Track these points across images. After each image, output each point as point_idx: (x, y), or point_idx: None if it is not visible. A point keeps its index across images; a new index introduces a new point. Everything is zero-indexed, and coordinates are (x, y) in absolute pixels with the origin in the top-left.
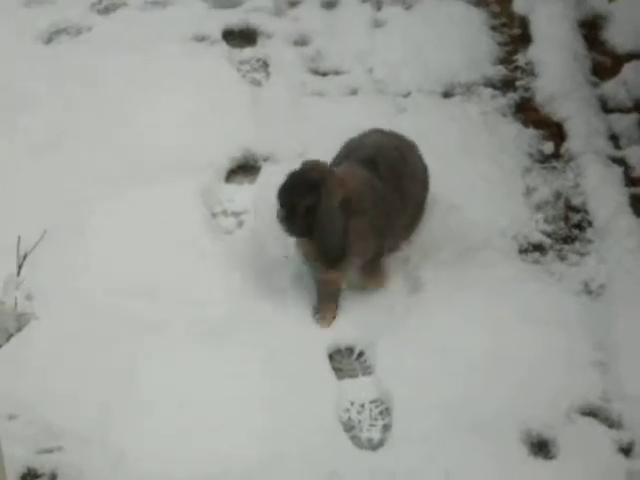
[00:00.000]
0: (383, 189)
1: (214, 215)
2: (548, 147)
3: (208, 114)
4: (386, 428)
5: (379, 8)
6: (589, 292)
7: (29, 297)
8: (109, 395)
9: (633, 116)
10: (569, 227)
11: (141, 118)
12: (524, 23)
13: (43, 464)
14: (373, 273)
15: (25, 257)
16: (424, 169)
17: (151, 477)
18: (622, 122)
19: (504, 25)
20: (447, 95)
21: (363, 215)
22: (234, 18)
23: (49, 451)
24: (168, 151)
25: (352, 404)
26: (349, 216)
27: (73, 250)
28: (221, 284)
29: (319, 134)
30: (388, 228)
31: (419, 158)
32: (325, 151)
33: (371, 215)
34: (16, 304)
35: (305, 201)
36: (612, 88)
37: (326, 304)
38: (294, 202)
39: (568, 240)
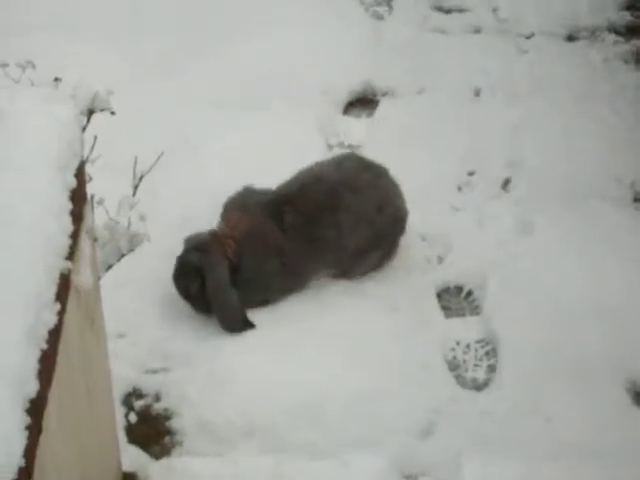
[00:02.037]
0: (284, 239)
1: (330, 146)
2: None
3: (329, 45)
4: (491, 369)
5: None
6: None
7: (143, 218)
8: None
9: None
10: None
11: (259, 46)
12: None
13: (148, 384)
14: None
15: (141, 178)
16: (384, 202)
17: (253, 400)
18: None
19: None
20: (570, 38)
21: (255, 273)
22: None
23: (154, 371)
24: (286, 79)
25: (458, 343)
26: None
27: (187, 173)
28: None
29: (439, 71)
30: (294, 273)
31: (379, 192)
32: (445, 89)
33: (266, 268)
34: (129, 224)
35: (193, 286)
36: None
37: None
38: (185, 288)
39: None
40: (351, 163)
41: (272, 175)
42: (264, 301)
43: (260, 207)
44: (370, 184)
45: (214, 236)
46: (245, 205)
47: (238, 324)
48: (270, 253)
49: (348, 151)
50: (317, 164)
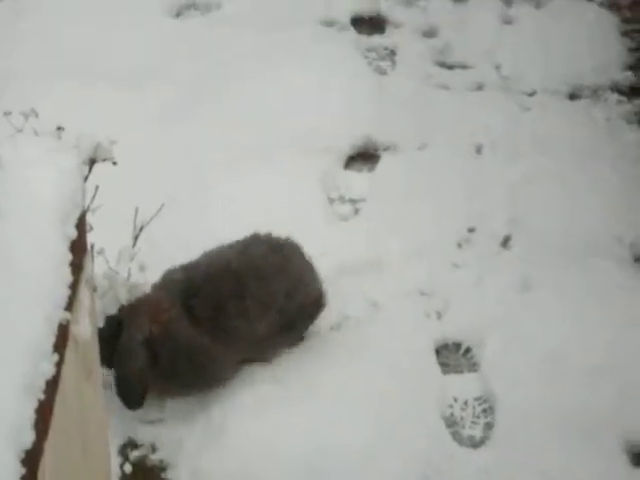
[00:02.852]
0: (196, 332)
1: (331, 200)
2: None
3: (332, 98)
4: (488, 426)
5: (509, 5)
6: None
7: (142, 268)
8: None
9: None
10: None
11: (268, 97)
12: None
13: (144, 435)
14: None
15: (141, 229)
16: (293, 288)
17: (251, 453)
18: None
19: (635, 31)
20: (573, 97)
21: (172, 370)
22: None
23: (150, 422)
24: (289, 132)
25: (456, 400)
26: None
27: (188, 224)
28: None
29: (441, 127)
30: (213, 366)
31: (287, 277)
32: (446, 144)
33: (183, 366)
34: (129, 275)
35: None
36: None
37: None
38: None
39: None
40: (259, 247)
41: (272, 227)
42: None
43: (176, 298)
44: (278, 269)
45: (149, 305)
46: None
47: (136, 397)
48: (185, 351)
49: (254, 233)
50: (225, 246)
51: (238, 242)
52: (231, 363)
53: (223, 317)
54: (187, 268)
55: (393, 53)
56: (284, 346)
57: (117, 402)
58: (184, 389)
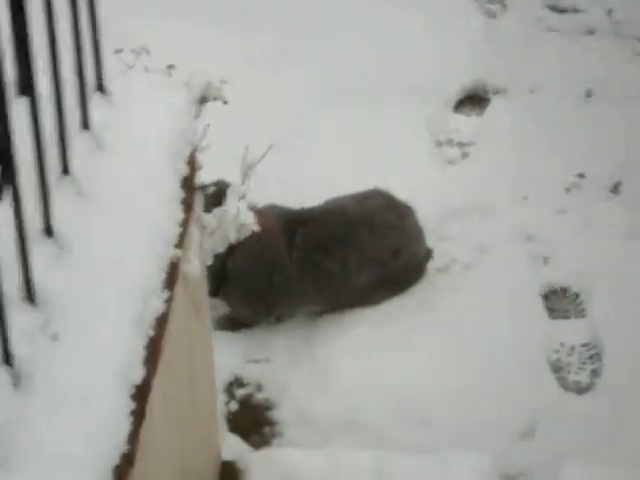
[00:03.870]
0: (286, 257)
1: (439, 143)
2: None
3: (442, 41)
4: (595, 373)
5: None
6: None
7: (251, 207)
8: None
9: None
10: None
11: (377, 39)
12: None
13: (250, 374)
14: (227, 320)
15: (251, 168)
16: (402, 246)
17: (355, 394)
18: None
19: None
20: None
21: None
22: None
23: (257, 361)
24: (397, 75)
25: (562, 345)
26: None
27: (295, 164)
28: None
29: (552, 71)
30: (285, 293)
31: (398, 235)
32: (556, 89)
33: (253, 275)
34: (238, 213)
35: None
36: None
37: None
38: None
39: None
40: (376, 201)
41: (380, 168)
42: (241, 319)
43: (279, 220)
44: (391, 226)
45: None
46: (269, 212)
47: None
48: (263, 263)
49: (374, 187)
50: (345, 196)
51: (358, 193)
52: (305, 303)
53: (322, 256)
54: (302, 208)
55: None
56: (378, 301)
57: (224, 340)
58: (242, 300)
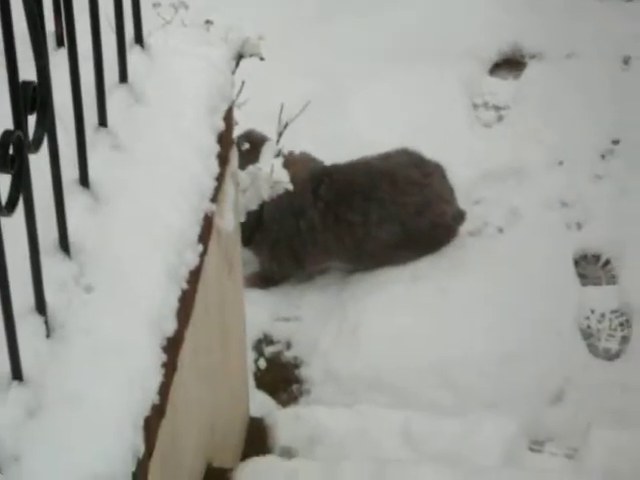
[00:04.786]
0: (312, 205)
1: (475, 106)
2: None
3: (479, 3)
4: (625, 340)
5: None
6: None
7: (286, 165)
8: None
9: None
10: None
11: (413, 3)
12: None
13: (279, 331)
14: (256, 276)
15: (286, 126)
16: (425, 205)
17: (385, 354)
18: None
19: None
20: None
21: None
22: None
23: (286, 319)
24: (435, 37)
25: (593, 312)
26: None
27: (332, 122)
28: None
29: (590, 37)
30: (310, 241)
31: (422, 193)
32: (594, 54)
33: (283, 219)
34: (272, 171)
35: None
36: None
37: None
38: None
39: None
40: (402, 158)
41: (414, 129)
42: (270, 274)
43: (308, 170)
44: (414, 183)
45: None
46: (300, 160)
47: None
48: (291, 210)
49: (404, 147)
50: (376, 155)
51: (386, 152)
52: (330, 254)
53: (343, 207)
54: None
55: None
56: (403, 261)
57: (255, 298)
58: (272, 250)
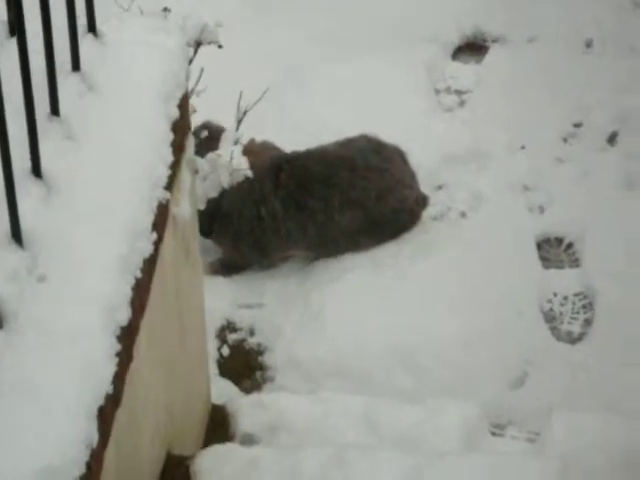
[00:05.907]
0: (273, 193)
1: (437, 91)
2: None
3: None
4: (587, 323)
5: None
6: None
7: (246, 153)
8: None
9: None
10: None
11: None
12: None
13: (243, 319)
14: (218, 264)
15: (245, 113)
16: (386, 190)
17: (347, 341)
18: None
19: None
20: None
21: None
22: None
23: (249, 306)
24: (397, 22)
25: (555, 295)
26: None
27: (293, 108)
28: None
29: (552, 21)
30: (272, 230)
31: (383, 178)
32: (556, 38)
33: (244, 208)
34: (232, 158)
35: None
36: None
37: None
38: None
39: None
40: (360, 144)
41: (376, 114)
42: (232, 262)
43: (268, 158)
44: (374, 167)
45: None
46: (259, 149)
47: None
48: (251, 198)
49: (363, 133)
50: (336, 141)
51: (345, 138)
52: (292, 241)
53: (304, 195)
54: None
55: None
56: (366, 247)
57: (217, 286)
58: (233, 239)
